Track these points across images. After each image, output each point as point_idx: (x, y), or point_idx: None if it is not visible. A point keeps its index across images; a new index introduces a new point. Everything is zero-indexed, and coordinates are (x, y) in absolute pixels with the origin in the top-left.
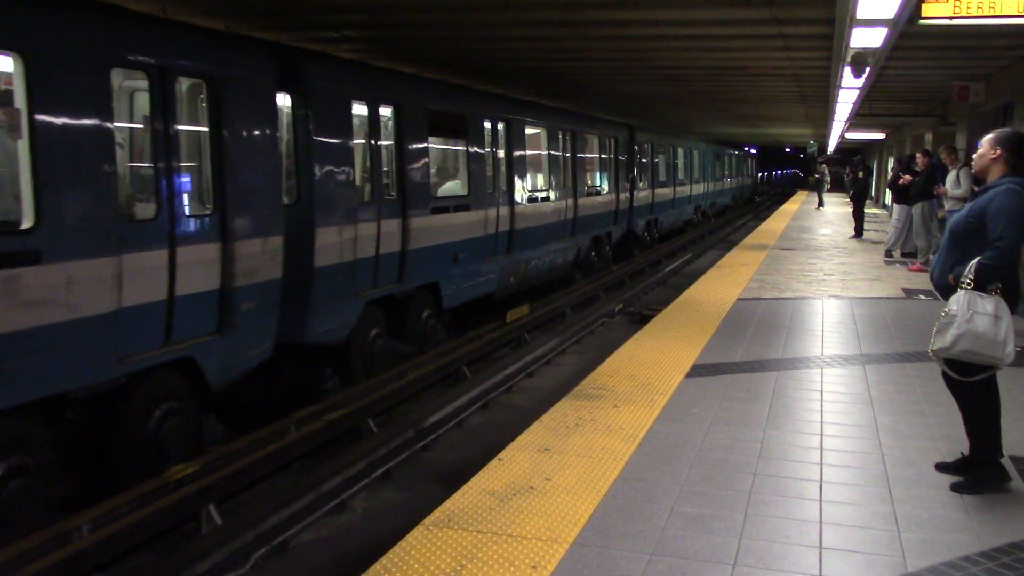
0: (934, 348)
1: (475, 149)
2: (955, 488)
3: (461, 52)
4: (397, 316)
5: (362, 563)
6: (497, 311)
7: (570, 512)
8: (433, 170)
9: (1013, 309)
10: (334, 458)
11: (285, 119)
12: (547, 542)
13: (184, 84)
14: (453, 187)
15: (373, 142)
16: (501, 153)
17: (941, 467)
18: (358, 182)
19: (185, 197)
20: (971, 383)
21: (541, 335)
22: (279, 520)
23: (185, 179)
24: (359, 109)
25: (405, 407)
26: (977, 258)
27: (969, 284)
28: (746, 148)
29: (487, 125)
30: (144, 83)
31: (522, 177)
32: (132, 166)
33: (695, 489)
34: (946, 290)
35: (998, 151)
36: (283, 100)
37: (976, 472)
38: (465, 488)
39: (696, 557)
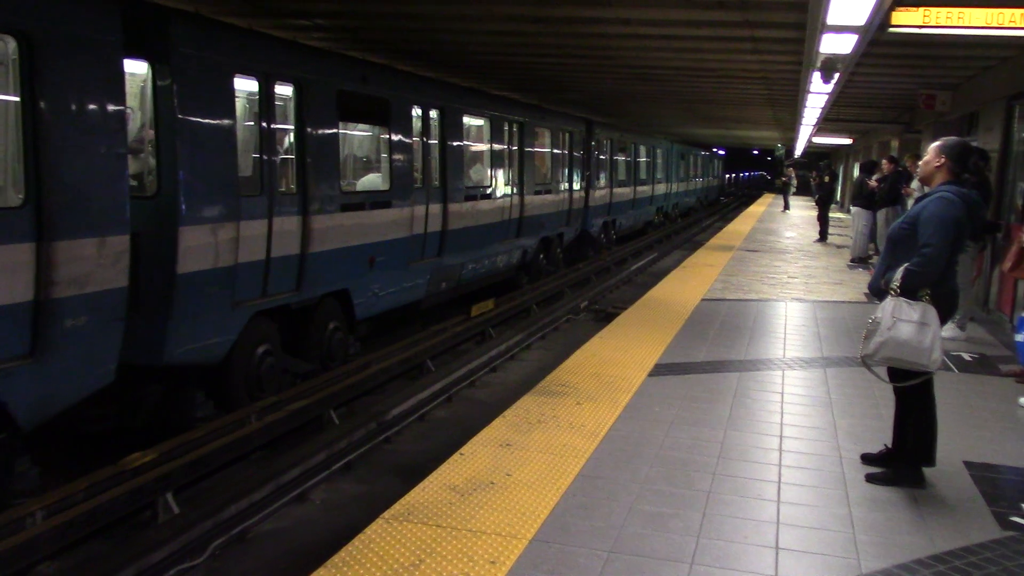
0: (861, 354)
1: (400, 138)
2: (870, 478)
3: (434, 44)
4: (296, 329)
5: (321, 555)
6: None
7: (530, 508)
8: (345, 161)
9: (947, 317)
10: (295, 449)
11: (143, 92)
12: (506, 538)
13: None
14: (371, 181)
15: (265, 125)
16: (433, 144)
17: (867, 458)
18: (243, 173)
19: None
20: (908, 389)
21: (506, 330)
22: (238, 510)
23: None
24: (246, 85)
25: (368, 399)
26: (905, 264)
27: (896, 291)
28: (714, 149)
29: (416, 112)
30: None
31: (458, 171)
32: None
33: (655, 488)
34: (881, 295)
35: (943, 159)
36: (139, 68)
37: (896, 468)
38: (426, 482)
39: (654, 555)
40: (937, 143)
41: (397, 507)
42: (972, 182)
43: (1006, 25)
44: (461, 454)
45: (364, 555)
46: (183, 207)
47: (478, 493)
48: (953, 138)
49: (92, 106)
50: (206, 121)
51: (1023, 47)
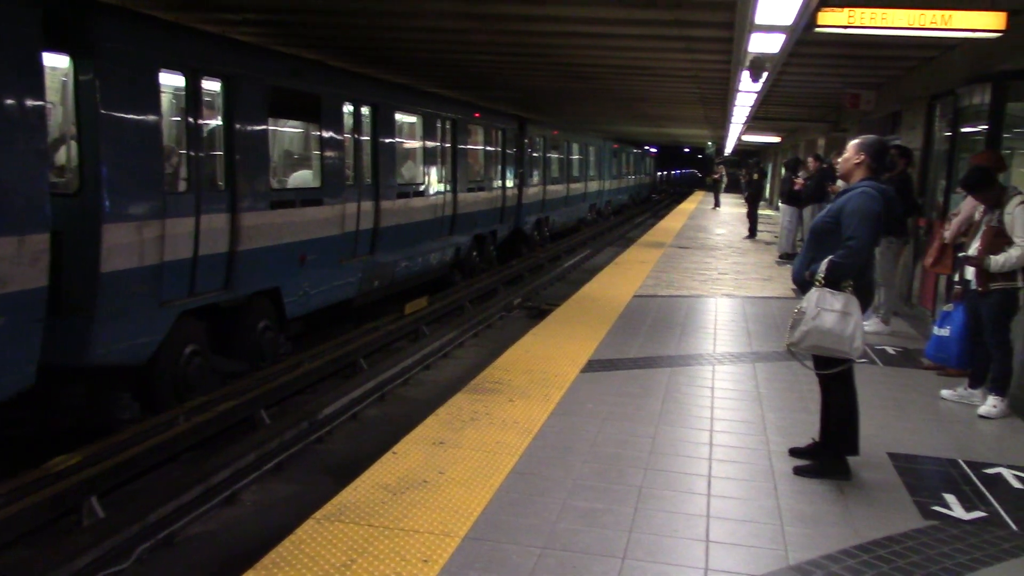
0: (787, 342)
1: (331, 135)
2: (798, 471)
3: (366, 40)
4: (225, 328)
5: (251, 557)
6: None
7: (463, 506)
8: (275, 158)
9: (865, 307)
10: (224, 449)
11: (64, 87)
12: (439, 536)
13: None
14: (302, 178)
15: (193, 121)
16: (366, 141)
17: (795, 451)
18: (170, 169)
19: None
20: (830, 376)
21: (439, 328)
22: (165, 513)
23: None
24: (172, 80)
25: (299, 398)
26: (830, 256)
27: (821, 282)
28: (646, 147)
29: (348, 109)
30: None
31: (390, 169)
32: None
33: (587, 483)
34: (803, 286)
35: (862, 156)
36: (60, 61)
37: (823, 460)
38: (358, 481)
39: (587, 551)
40: (856, 141)
41: (329, 507)
42: (889, 177)
43: (927, 26)
44: (394, 453)
45: (295, 556)
46: (106, 204)
47: (411, 492)
48: (871, 136)
49: (9, 101)
50: (130, 117)
51: (944, 48)
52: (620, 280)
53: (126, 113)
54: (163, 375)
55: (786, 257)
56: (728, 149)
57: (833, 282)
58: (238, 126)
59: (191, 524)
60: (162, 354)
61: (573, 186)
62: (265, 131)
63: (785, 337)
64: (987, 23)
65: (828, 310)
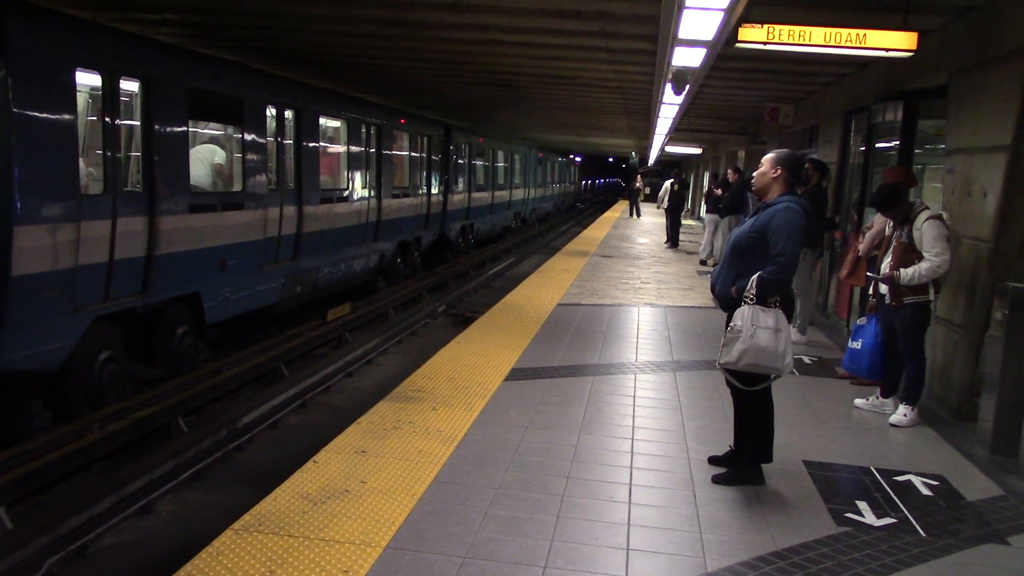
0: (721, 362)
1: (253, 138)
2: (715, 479)
3: (289, 44)
4: (142, 334)
5: (166, 568)
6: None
7: (385, 515)
8: (194, 161)
9: (788, 319)
10: (140, 458)
11: None
12: (360, 546)
13: None
14: (223, 182)
15: (109, 121)
16: (289, 145)
17: (713, 460)
18: (85, 171)
19: None
20: (752, 391)
21: (363, 334)
22: (77, 524)
23: None
24: (88, 79)
25: (218, 406)
26: (758, 272)
27: (752, 299)
28: (571, 156)
29: (271, 112)
30: None
31: (314, 173)
32: None
33: (510, 492)
34: (728, 302)
35: (779, 171)
36: None
37: (738, 468)
38: (278, 491)
39: (508, 559)
40: (771, 155)
41: (248, 517)
42: (804, 191)
43: (843, 44)
44: (315, 462)
45: (212, 568)
46: (18, 206)
47: (332, 501)
48: (786, 150)
49: None
50: (44, 116)
51: (859, 66)
52: (544, 288)
53: (40, 113)
54: (76, 382)
55: (704, 264)
56: (652, 159)
57: (762, 298)
58: (157, 127)
59: (104, 535)
60: (75, 360)
61: (498, 194)
62: (185, 133)
63: (718, 357)
64: (899, 43)
65: (763, 327)
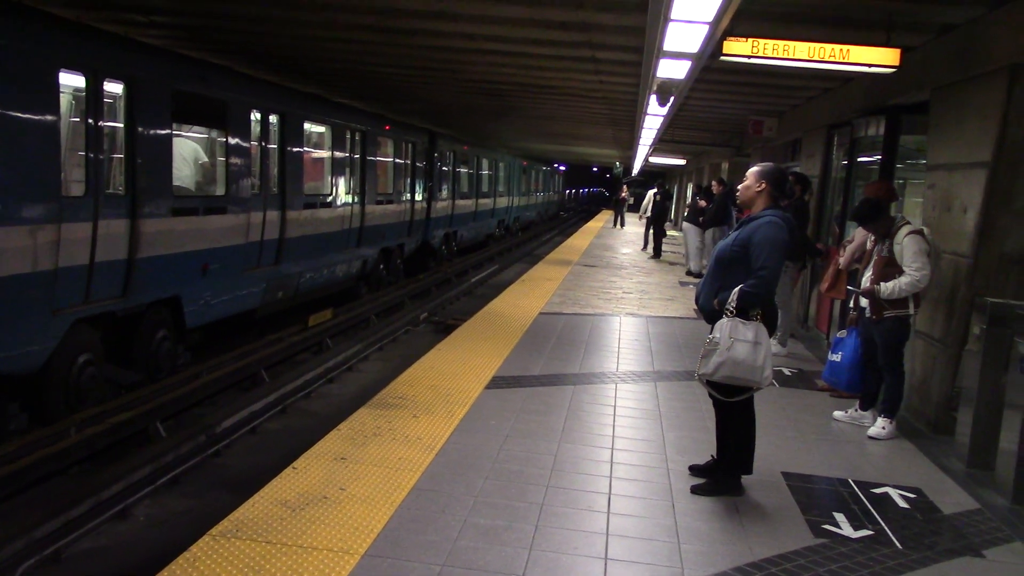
0: (699, 373)
1: (237, 142)
2: (695, 490)
3: (278, 49)
4: (122, 337)
5: (143, 574)
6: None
7: (364, 523)
8: (178, 164)
9: (771, 332)
10: (117, 463)
11: None
12: (339, 553)
13: None
14: (207, 185)
15: (91, 122)
16: (273, 149)
17: (694, 469)
18: (65, 172)
19: None
20: (733, 403)
21: (344, 341)
22: (52, 528)
23: None
24: (71, 80)
25: (197, 410)
26: (740, 285)
27: (732, 311)
28: (555, 165)
29: (256, 116)
30: None
31: (297, 179)
32: None
33: (489, 501)
34: (711, 314)
35: (763, 184)
36: None
37: (718, 478)
38: (256, 497)
39: (486, 568)
40: (756, 168)
41: (225, 523)
42: (789, 205)
43: (827, 59)
44: (294, 468)
45: (188, 574)
46: None
47: (311, 508)
48: (770, 164)
49: None
50: (26, 116)
51: (842, 80)
52: (527, 297)
53: (22, 113)
54: (55, 385)
55: (693, 274)
56: (636, 170)
57: (743, 311)
58: (140, 129)
59: (80, 540)
60: (54, 363)
61: (482, 201)
62: (169, 136)
63: (697, 368)
64: (882, 59)
65: (741, 340)
